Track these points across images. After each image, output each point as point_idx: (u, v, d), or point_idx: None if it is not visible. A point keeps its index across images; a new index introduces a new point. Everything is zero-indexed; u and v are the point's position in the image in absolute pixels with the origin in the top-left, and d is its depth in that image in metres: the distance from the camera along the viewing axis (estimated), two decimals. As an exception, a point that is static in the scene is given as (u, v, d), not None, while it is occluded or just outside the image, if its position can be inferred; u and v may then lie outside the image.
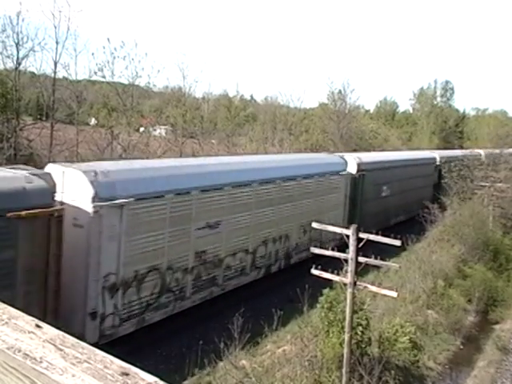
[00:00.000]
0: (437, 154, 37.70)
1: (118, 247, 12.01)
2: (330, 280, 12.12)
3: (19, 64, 23.51)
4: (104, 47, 26.88)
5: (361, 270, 11.47)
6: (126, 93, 28.80)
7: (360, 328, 12.58)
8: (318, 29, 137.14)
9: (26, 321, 1.20)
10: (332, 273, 11.80)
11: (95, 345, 1.14)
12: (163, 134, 38.59)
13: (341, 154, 25.68)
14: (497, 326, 19.97)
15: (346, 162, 23.63)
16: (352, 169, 23.84)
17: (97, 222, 11.40)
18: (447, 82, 79.63)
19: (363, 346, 12.82)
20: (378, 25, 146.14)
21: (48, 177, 11.02)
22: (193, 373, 12.08)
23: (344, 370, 11.41)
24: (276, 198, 18.52)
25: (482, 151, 43.89)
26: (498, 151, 38.51)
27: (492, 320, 20.51)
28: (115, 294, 12.09)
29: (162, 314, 13.61)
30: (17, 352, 1.07)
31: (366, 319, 13.06)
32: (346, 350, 11.30)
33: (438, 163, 36.45)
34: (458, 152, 44.96)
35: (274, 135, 44.17)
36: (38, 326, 1.18)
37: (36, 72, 25.58)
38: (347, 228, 11.33)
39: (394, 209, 29.19)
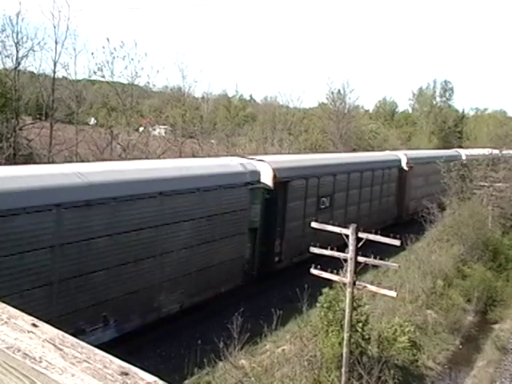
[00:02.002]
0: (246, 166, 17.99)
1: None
2: (330, 280, 12.13)
3: (19, 63, 23.55)
4: (103, 47, 26.98)
5: (360, 270, 11.48)
6: (125, 92, 28.81)
7: (360, 324, 12.60)
8: (317, 29, 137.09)
9: (26, 320, 1.20)
10: (331, 272, 11.81)
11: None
12: (163, 133, 38.60)
13: None
14: (496, 326, 19.97)
15: None
16: None
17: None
18: (446, 82, 79.66)
19: (363, 343, 12.83)
20: (377, 25, 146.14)
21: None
22: (192, 372, 12.09)
23: (343, 370, 11.42)
24: None
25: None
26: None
27: (491, 320, 20.51)
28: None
29: None
30: (16, 352, 1.07)
31: (365, 314, 13.07)
32: (345, 350, 11.30)
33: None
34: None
35: (274, 135, 44.18)
36: (37, 325, 1.18)
37: (35, 72, 25.65)
38: None
39: None
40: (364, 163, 26.02)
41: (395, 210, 28.80)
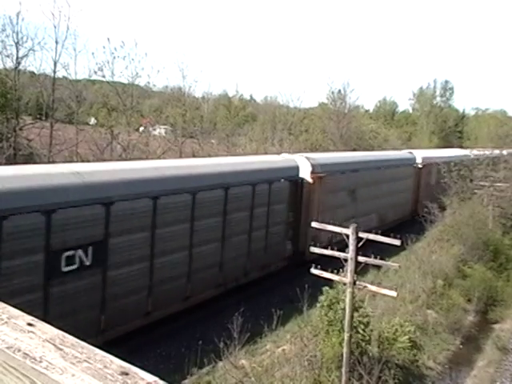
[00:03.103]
0: None
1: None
2: (330, 280, 12.12)
3: (19, 63, 23.51)
4: (104, 47, 26.95)
5: (360, 270, 11.47)
6: (125, 92, 28.78)
7: (362, 326, 12.60)
8: (318, 29, 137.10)
9: (26, 320, 1.20)
10: (332, 272, 11.80)
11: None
12: (163, 133, 38.59)
13: None
14: (496, 326, 19.96)
15: None
16: None
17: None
18: (447, 82, 79.81)
19: (364, 344, 12.82)
20: (377, 25, 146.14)
21: None
22: (192, 372, 12.08)
23: (343, 370, 11.41)
24: None
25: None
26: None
27: (491, 320, 20.50)
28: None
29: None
30: (16, 352, 1.07)
31: (367, 316, 13.07)
32: (345, 350, 11.30)
33: None
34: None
35: (274, 135, 44.18)
36: (37, 325, 1.18)
37: (36, 71, 25.59)
38: None
39: None
40: (209, 176, 15.25)
41: (287, 245, 19.03)
